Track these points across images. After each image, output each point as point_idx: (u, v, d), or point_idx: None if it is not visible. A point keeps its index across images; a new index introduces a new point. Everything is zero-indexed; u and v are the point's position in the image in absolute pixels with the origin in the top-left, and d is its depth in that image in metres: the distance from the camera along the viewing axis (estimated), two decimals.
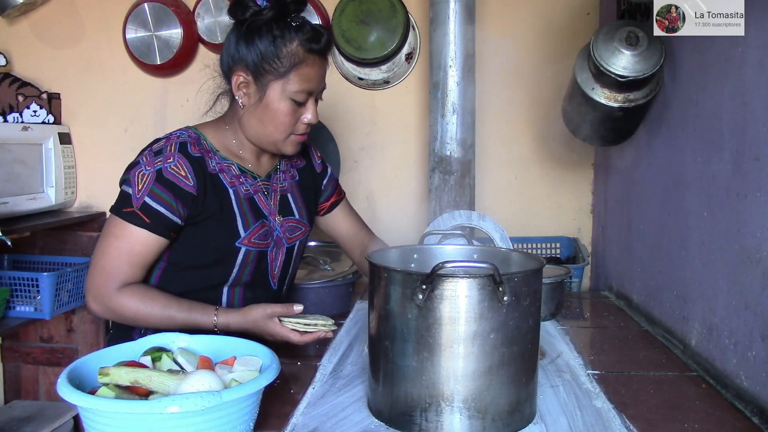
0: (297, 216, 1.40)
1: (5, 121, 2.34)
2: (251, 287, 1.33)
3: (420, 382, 0.95)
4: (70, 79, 2.44)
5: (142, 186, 1.18)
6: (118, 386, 0.87)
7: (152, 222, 1.18)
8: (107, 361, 0.94)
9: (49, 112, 2.39)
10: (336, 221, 1.56)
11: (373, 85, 2.35)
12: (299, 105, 1.26)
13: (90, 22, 2.43)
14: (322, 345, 1.43)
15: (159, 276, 1.29)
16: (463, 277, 0.92)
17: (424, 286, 0.92)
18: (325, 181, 1.52)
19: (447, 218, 1.74)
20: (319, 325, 1.21)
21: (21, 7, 2.34)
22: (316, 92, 1.29)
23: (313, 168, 1.51)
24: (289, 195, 1.40)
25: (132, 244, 1.18)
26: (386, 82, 2.33)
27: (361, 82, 2.35)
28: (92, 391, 0.86)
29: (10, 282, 2.20)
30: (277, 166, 1.40)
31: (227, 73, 1.28)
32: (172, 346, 1.03)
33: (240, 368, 0.96)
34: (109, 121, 2.46)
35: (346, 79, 2.36)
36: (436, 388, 0.95)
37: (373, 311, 1.03)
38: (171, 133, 1.28)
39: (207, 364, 0.97)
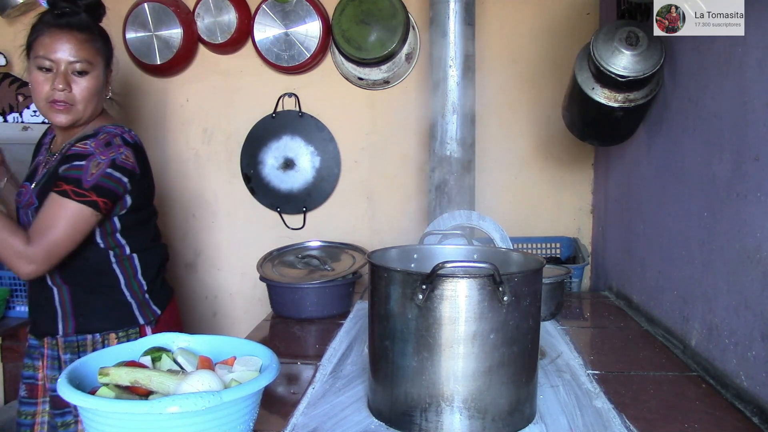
0: (33, 187, 1.50)
1: (5, 121, 2.34)
2: None
3: (420, 382, 0.95)
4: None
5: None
6: (118, 386, 0.87)
7: None
8: (107, 361, 0.94)
9: None
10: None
11: (373, 85, 2.35)
12: (46, 72, 1.42)
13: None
14: (322, 345, 1.43)
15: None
16: (463, 277, 0.92)
17: (424, 286, 0.92)
18: (62, 167, 1.44)
19: (447, 218, 1.74)
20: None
21: (21, 7, 2.35)
22: (60, 61, 1.41)
23: (68, 156, 1.45)
24: (44, 170, 1.52)
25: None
26: (386, 82, 2.33)
27: (361, 82, 2.35)
28: (92, 391, 0.86)
29: (10, 282, 2.21)
30: (63, 147, 1.50)
31: None
32: (172, 346, 1.03)
33: (240, 368, 0.96)
34: None
35: (346, 79, 2.36)
36: (436, 388, 0.95)
37: (373, 311, 1.03)
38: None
39: (207, 364, 0.97)
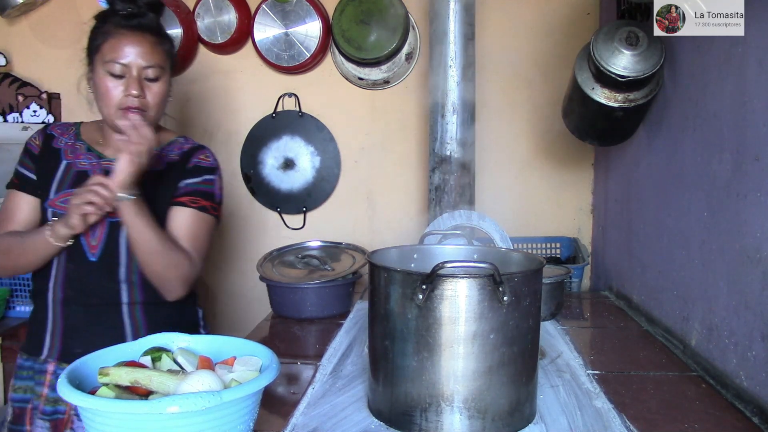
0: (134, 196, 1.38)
1: (5, 121, 2.34)
2: (70, 254, 1.37)
3: (420, 382, 0.95)
4: (70, 79, 2.43)
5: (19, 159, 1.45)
6: (118, 386, 0.87)
7: (20, 182, 1.42)
8: (107, 361, 0.94)
9: (49, 112, 2.39)
10: (169, 219, 1.42)
11: (373, 85, 2.35)
12: (117, 78, 1.33)
13: (90, 22, 2.42)
14: (322, 345, 1.43)
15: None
16: (463, 277, 0.92)
17: (424, 286, 0.92)
18: (188, 181, 1.43)
19: (447, 218, 1.74)
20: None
21: (21, 7, 2.35)
22: (135, 66, 1.33)
23: (185, 164, 1.45)
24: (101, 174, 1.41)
25: (8, 204, 1.42)
26: (386, 82, 2.33)
27: (361, 82, 2.35)
28: (92, 391, 0.86)
29: (10, 282, 2.21)
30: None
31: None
32: (172, 346, 1.03)
33: (240, 368, 0.96)
34: None
35: (346, 79, 2.36)
36: (436, 388, 0.95)
37: (373, 311, 1.03)
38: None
39: (207, 364, 0.97)
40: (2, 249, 1.36)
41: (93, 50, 1.36)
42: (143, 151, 1.28)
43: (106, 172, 1.35)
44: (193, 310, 1.52)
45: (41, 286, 1.39)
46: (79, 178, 1.38)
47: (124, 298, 1.39)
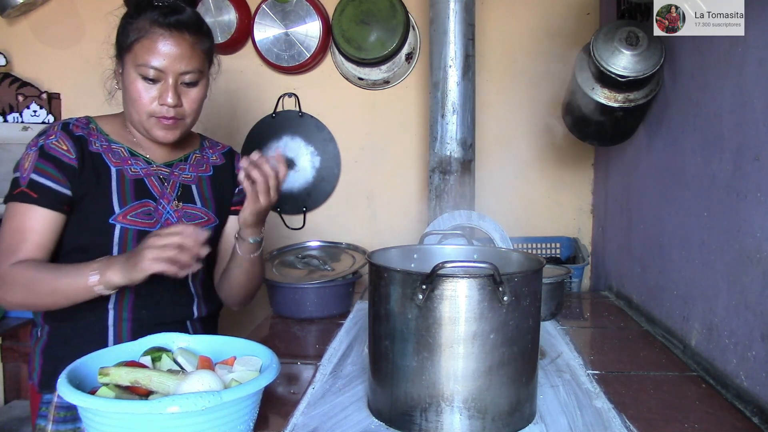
0: (200, 205, 1.34)
1: (5, 121, 2.34)
2: None
3: (420, 382, 0.95)
4: (70, 79, 2.44)
5: (28, 165, 1.19)
6: (118, 386, 0.87)
7: (40, 196, 1.17)
8: (107, 361, 0.94)
9: (49, 112, 2.39)
10: (228, 225, 1.43)
11: (373, 85, 2.35)
12: (151, 82, 1.19)
13: (90, 22, 2.43)
14: (322, 345, 1.43)
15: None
16: (463, 277, 0.92)
17: (424, 286, 0.92)
18: (240, 188, 1.36)
19: (447, 218, 1.74)
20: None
21: (21, 7, 2.35)
22: (172, 71, 1.19)
23: (232, 168, 1.44)
24: (194, 186, 1.35)
25: (23, 221, 1.16)
26: (386, 82, 2.33)
27: (361, 82, 2.35)
28: (92, 391, 0.86)
29: None
30: (182, 159, 1.36)
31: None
32: (172, 346, 1.03)
33: (240, 368, 0.96)
34: None
35: (346, 79, 2.36)
36: (436, 388, 0.95)
37: (373, 311, 1.03)
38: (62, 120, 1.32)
39: (207, 364, 0.97)
40: (21, 282, 1.12)
41: (123, 48, 1.21)
42: (273, 187, 1.18)
43: (163, 180, 1.28)
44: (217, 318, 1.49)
45: (90, 306, 1.16)
46: (138, 188, 1.25)
47: (195, 313, 1.32)
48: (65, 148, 1.20)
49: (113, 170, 1.24)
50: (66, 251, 1.23)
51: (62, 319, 1.21)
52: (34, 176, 1.17)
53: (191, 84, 1.23)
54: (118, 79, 1.27)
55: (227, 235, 1.41)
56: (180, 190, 1.31)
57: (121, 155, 1.27)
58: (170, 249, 1.04)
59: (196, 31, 1.22)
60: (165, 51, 1.18)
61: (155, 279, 1.13)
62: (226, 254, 1.40)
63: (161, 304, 1.26)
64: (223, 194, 1.41)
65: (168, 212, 1.28)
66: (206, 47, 1.25)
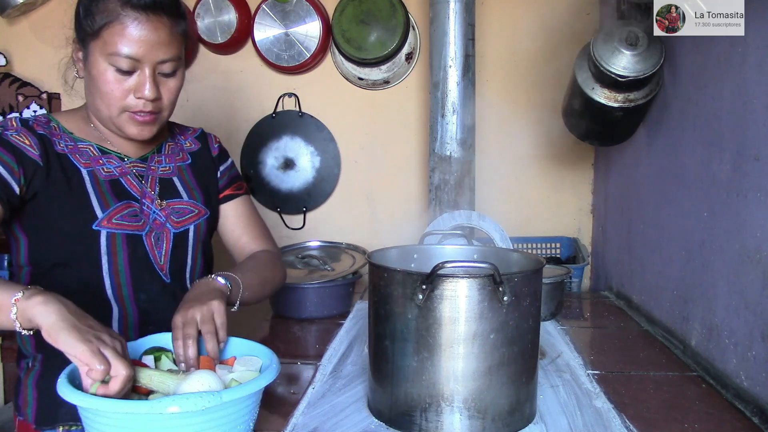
0: (186, 197, 1.22)
1: None
2: (138, 283, 1.13)
3: (420, 382, 0.95)
4: (69, 79, 2.43)
5: None
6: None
7: None
8: None
9: (49, 112, 2.39)
10: (224, 216, 1.32)
11: (373, 85, 2.35)
12: (124, 74, 1.06)
13: None
14: (322, 345, 1.43)
15: (28, 284, 1.00)
16: (463, 277, 0.92)
17: (424, 286, 0.92)
18: (222, 168, 1.33)
19: (447, 218, 1.74)
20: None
21: (21, 7, 2.34)
22: (148, 60, 1.05)
23: (209, 151, 1.33)
24: (175, 178, 1.23)
25: None
26: (386, 82, 2.33)
27: (361, 82, 2.35)
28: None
29: None
30: (155, 150, 1.24)
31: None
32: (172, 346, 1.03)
33: (240, 368, 0.96)
34: None
35: (346, 79, 2.36)
36: (436, 388, 0.95)
37: (373, 311, 1.03)
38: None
39: (209, 364, 0.97)
40: None
41: (88, 33, 1.07)
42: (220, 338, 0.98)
43: (140, 177, 1.17)
44: None
45: None
46: (116, 189, 1.13)
47: None
48: (28, 143, 1.07)
49: (84, 172, 1.11)
50: (44, 270, 1.10)
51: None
52: None
53: (170, 74, 1.10)
54: (78, 67, 1.13)
55: (227, 229, 1.32)
56: (159, 185, 1.20)
57: (90, 154, 1.14)
58: (96, 370, 0.80)
59: (174, 12, 1.08)
60: (141, 37, 1.03)
61: (158, 294, 1.12)
62: (234, 248, 1.33)
63: (167, 319, 1.08)
64: (207, 182, 1.29)
65: (154, 212, 1.16)
66: (183, 30, 1.12)
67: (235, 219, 1.32)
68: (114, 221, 1.10)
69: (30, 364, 1.16)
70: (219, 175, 1.32)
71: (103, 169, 1.14)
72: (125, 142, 1.19)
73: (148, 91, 1.06)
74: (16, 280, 1.13)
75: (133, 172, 1.17)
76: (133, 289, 1.13)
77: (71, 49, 1.16)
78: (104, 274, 1.11)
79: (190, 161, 1.28)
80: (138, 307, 1.14)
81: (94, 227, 1.08)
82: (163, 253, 1.17)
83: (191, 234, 1.21)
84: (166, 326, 1.02)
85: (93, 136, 1.17)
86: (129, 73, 1.06)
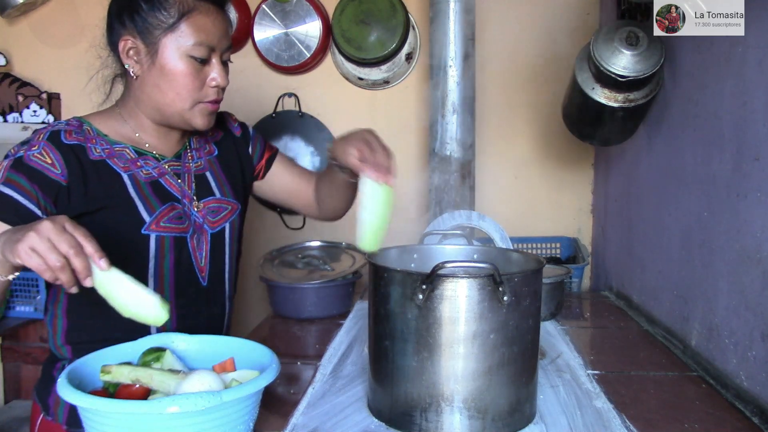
0: (218, 195, 1.23)
1: (5, 121, 2.34)
2: (179, 287, 1.15)
3: (420, 382, 0.95)
4: (70, 79, 2.44)
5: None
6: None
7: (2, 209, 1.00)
8: (107, 360, 0.94)
9: (49, 112, 2.39)
10: (279, 176, 1.39)
11: (373, 85, 2.35)
12: (201, 63, 1.08)
13: (90, 22, 2.41)
14: (322, 345, 1.43)
15: (68, 296, 1.08)
16: (463, 277, 0.92)
17: (424, 286, 0.92)
18: (251, 143, 1.36)
19: (447, 218, 1.74)
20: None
21: (21, 7, 2.35)
22: (219, 49, 1.10)
23: (232, 135, 1.34)
24: (207, 173, 1.24)
25: None
26: (386, 82, 2.33)
27: (361, 82, 2.35)
28: (92, 391, 0.86)
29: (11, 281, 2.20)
30: (186, 145, 1.23)
31: (115, 44, 1.13)
32: (172, 346, 1.03)
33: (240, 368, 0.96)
34: None
35: (346, 79, 2.36)
36: (436, 388, 0.95)
37: (373, 311, 1.03)
38: (50, 123, 1.18)
39: (230, 366, 0.97)
40: None
41: (158, 29, 1.06)
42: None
43: (177, 176, 1.16)
44: None
45: (129, 328, 0.97)
46: (158, 191, 1.13)
47: (226, 321, 1.23)
48: (49, 161, 1.04)
49: (125, 176, 1.11)
50: None
51: (93, 350, 0.98)
52: (1, 187, 1.01)
53: (226, 61, 1.14)
54: (134, 59, 1.10)
55: (285, 180, 1.42)
56: (195, 183, 1.20)
57: (127, 157, 1.13)
58: (55, 251, 0.80)
59: (227, 2, 1.15)
60: (216, 26, 1.08)
61: (194, 298, 1.13)
62: (299, 190, 1.45)
63: (200, 325, 1.13)
64: (234, 171, 1.30)
65: (194, 214, 1.17)
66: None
67: (291, 168, 1.42)
68: (162, 224, 1.11)
69: (65, 366, 1.12)
70: (250, 151, 1.35)
71: (142, 171, 1.14)
72: (159, 141, 1.18)
73: (222, 78, 1.10)
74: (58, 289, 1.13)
75: (170, 172, 1.17)
76: (174, 293, 1.14)
77: (109, 52, 1.16)
78: (149, 278, 1.11)
79: (217, 152, 1.29)
80: (176, 312, 1.14)
81: (143, 232, 1.09)
82: (204, 255, 1.18)
83: (227, 232, 1.22)
84: (198, 332, 1.03)
85: (127, 138, 1.16)
86: (203, 63, 1.08)
